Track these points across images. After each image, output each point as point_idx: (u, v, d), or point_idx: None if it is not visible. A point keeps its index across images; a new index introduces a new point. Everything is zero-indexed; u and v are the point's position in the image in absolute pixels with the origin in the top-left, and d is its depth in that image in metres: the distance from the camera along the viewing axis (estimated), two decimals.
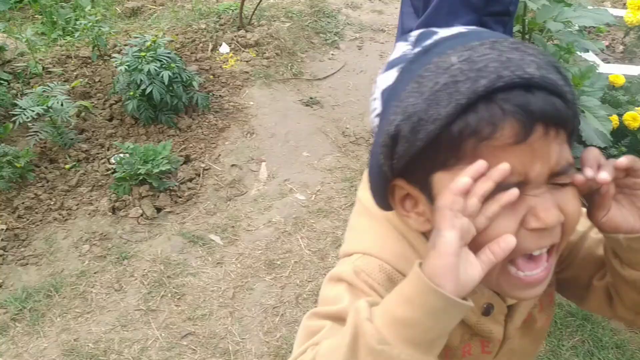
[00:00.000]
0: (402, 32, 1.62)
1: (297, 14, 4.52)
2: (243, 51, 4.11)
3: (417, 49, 0.74)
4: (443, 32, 0.74)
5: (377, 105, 0.78)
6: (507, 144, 0.66)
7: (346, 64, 4.21)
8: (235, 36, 4.20)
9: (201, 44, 4.14)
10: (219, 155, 3.34)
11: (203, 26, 4.28)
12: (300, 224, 2.90)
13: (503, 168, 0.65)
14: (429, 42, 0.73)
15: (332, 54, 4.33)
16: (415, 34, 0.78)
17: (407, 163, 0.73)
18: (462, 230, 0.64)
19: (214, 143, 3.42)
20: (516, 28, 2.80)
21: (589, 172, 0.72)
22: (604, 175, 0.71)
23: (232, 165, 3.29)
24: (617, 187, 0.75)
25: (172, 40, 4.03)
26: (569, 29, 3.21)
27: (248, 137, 3.48)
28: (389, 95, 0.74)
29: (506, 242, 0.65)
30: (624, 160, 0.73)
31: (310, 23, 4.50)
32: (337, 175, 3.21)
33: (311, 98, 3.83)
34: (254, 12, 4.28)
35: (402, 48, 0.77)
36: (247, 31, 4.25)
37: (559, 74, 0.70)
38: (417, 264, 0.66)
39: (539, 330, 0.97)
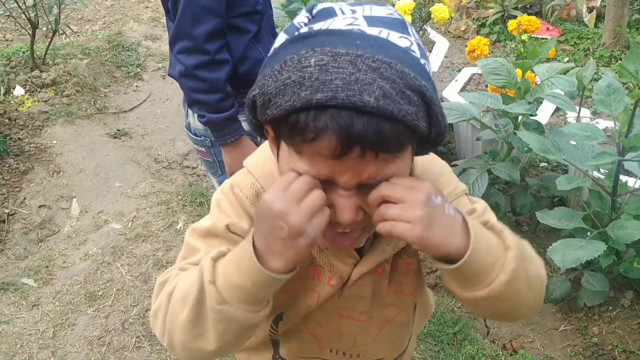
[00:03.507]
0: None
1: (95, 50, 4.47)
2: (40, 91, 3.96)
3: (303, 29, 0.79)
4: (333, 23, 0.77)
5: None
6: (323, 154, 0.73)
7: (152, 94, 4.25)
8: (29, 77, 4.04)
9: None
10: (25, 198, 3.20)
11: None
12: (119, 252, 2.88)
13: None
14: (315, 27, 0.77)
15: (137, 86, 4.34)
16: (319, 7, 0.82)
17: (264, 123, 0.83)
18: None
19: (17, 187, 3.27)
20: None
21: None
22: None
23: (40, 206, 3.17)
24: None
25: None
26: None
27: (55, 176, 3.37)
28: (268, 59, 0.81)
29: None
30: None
31: (110, 57, 4.47)
32: (152, 200, 3.23)
33: (119, 130, 3.81)
34: (46, 51, 4.16)
35: (301, 17, 0.82)
36: (42, 71, 4.11)
37: (417, 98, 0.73)
38: (250, 239, 0.80)
39: (390, 308, 1.08)
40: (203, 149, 1.91)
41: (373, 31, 0.75)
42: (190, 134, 1.93)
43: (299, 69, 0.72)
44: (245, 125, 1.84)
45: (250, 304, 0.81)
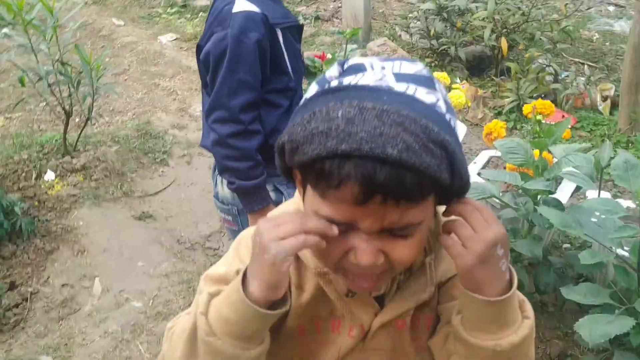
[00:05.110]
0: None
1: (124, 137, 4.65)
2: (69, 176, 4.10)
3: (334, 82, 0.82)
4: (363, 78, 0.80)
5: None
6: (346, 200, 0.77)
7: (176, 179, 4.37)
8: (60, 162, 4.20)
9: (24, 174, 4.07)
10: (48, 277, 3.24)
11: (25, 157, 4.23)
12: (138, 330, 2.87)
13: (332, 233, 0.81)
14: (345, 81, 0.81)
15: (162, 171, 4.47)
16: (351, 62, 0.85)
17: (292, 168, 0.87)
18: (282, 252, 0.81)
19: (42, 266, 3.32)
20: None
21: None
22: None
23: (63, 285, 3.20)
24: None
25: None
26: None
27: (79, 255, 3.42)
28: (298, 108, 0.85)
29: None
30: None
31: (138, 145, 4.65)
32: (174, 280, 3.24)
33: (143, 212, 3.89)
34: (78, 139, 4.34)
35: (333, 70, 0.85)
36: (72, 157, 4.27)
37: (440, 151, 0.76)
38: (241, 274, 0.85)
39: None
40: (230, 218, 1.96)
41: (401, 87, 0.79)
42: (218, 202, 1.99)
43: (326, 120, 0.76)
44: (272, 195, 1.89)
45: (237, 339, 0.84)
